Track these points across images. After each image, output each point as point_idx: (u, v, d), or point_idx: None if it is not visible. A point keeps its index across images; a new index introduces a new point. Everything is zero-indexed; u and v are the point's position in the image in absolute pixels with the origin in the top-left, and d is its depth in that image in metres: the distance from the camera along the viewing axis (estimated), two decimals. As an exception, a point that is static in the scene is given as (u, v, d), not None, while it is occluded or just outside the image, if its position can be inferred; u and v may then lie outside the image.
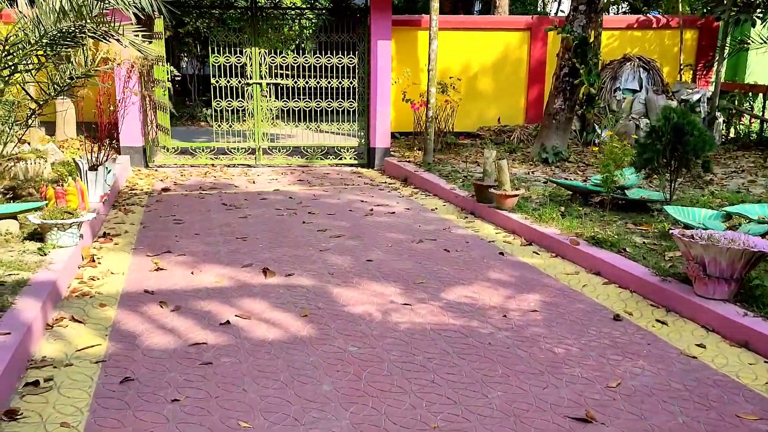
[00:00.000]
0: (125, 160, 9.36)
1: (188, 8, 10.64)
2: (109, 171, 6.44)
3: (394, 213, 6.96)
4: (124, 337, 3.64)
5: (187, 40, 17.69)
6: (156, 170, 9.69)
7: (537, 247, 5.65)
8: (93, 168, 6.32)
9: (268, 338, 3.68)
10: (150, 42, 9.67)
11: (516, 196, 6.46)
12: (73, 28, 4.56)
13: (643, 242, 5.27)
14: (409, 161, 9.69)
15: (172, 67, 12.45)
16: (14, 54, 4.74)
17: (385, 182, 9.00)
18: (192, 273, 4.79)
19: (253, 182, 8.86)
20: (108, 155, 6.50)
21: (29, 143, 9.67)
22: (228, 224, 6.36)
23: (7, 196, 5.71)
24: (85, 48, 5.26)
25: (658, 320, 4.03)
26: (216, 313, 4.02)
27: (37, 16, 4.55)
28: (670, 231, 5.41)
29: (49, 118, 10.25)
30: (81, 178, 6.31)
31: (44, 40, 4.69)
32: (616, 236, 5.36)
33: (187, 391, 3.07)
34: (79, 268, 4.84)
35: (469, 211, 7.04)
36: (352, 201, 7.59)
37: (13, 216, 5.16)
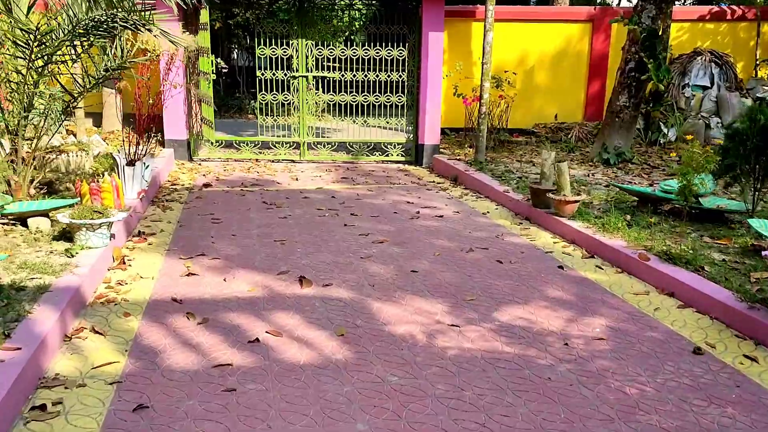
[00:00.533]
0: (169, 153, 9.19)
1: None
2: (147, 166, 6.21)
3: (442, 216, 6.52)
4: (145, 354, 3.34)
5: (237, 32, 17.59)
6: (200, 164, 9.50)
7: (600, 261, 5.12)
8: (131, 163, 6.09)
9: (300, 361, 3.31)
10: (195, 33, 9.49)
11: (577, 202, 5.93)
12: (105, 17, 4.29)
13: (723, 259, 4.69)
14: (459, 159, 9.21)
15: (219, 59, 12.29)
16: (47, 44, 4.51)
17: (433, 181, 8.56)
18: (224, 280, 4.48)
19: (296, 179, 8.55)
20: (147, 150, 6.28)
21: (75, 134, 9.63)
22: (267, 225, 6.04)
23: (43, 191, 5.51)
24: (122, 39, 5.01)
25: (746, 356, 3.49)
26: (245, 329, 3.68)
27: (69, 4, 4.30)
28: (754, 246, 4.81)
29: (96, 109, 10.19)
30: (118, 173, 6.10)
31: (78, 30, 4.43)
32: (691, 251, 4.79)
33: (205, 425, 2.72)
34: (108, 270, 4.58)
35: (523, 216, 6.54)
36: (398, 202, 7.18)
37: (44, 213, 4.95)
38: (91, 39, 4.59)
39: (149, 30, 4.45)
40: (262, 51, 9.55)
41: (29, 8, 4.59)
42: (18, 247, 4.47)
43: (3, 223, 4.82)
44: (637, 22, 8.62)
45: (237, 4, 15.70)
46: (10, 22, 4.30)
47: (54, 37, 4.43)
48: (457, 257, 5.15)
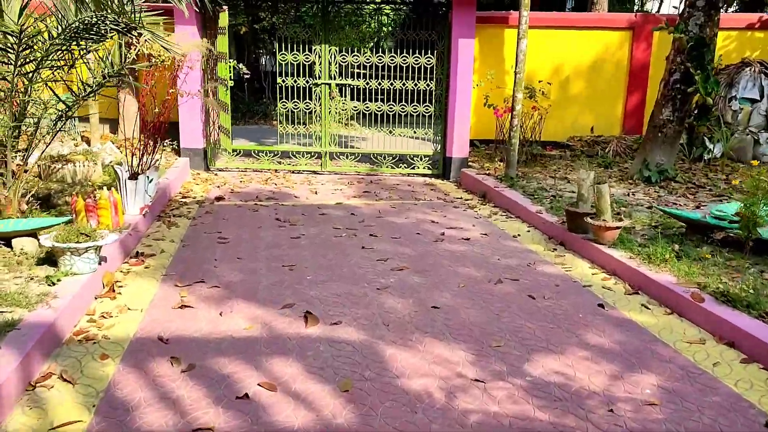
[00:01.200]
0: (183, 162, 8.81)
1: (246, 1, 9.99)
2: (151, 180, 5.79)
3: (468, 239, 5.97)
4: (114, 411, 2.86)
5: (263, 37, 17.28)
6: (216, 174, 9.10)
7: (646, 298, 4.52)
8: (133, 177, 5.68)
9: (293, 426, 2.80)
10: (214, 38, 9.11)
11: (618, 228, 5.33)
12: (95, 19, 3.87)
13: (793, 304, 4.06)
14: (488, 174, 8.65)
15: (241, 64, 11.91)
16: (35, 48, 4.11)
17: (461, 198, 8.01)
18: (221, 314, 4.00)
19: (315, 192, 8.08)
20: (152, 162, 5.86)
21: (88, 142, 9.31)
22: (277, 246, 5.57)
23: (32, 206, 5.11)
24: (121, 44, 4.59)
25: (833, 433, 2.88)
26: (235, 379, 3.19)
27: (57, 5, 3.88)
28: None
29: (113, 114, 9.88)
30: (119, 187, 5.69)
31: (68, 33, 4.01)
32: (752, 291, 4.17)
33: None
34: (95, 299, 4.15)
35: (558, 240, 5.96)
36: (422, 221, 6.65)
37: (32, 233, 4.54)
38: (84, 44, 4.18)
39: (140, 34, 4.01)
40: (283, 57, 9.13)
41: (22, 9, 4.19)
42: (-4, 271, 4.06)
43: (-16, 244, 4.42)
44: (684, 30, 7.97)
45: (262, 8, 15.41)
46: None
47: (42, 40, 4.04)
48: (483, 290, 4.60)
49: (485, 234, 6.20)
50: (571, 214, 5.75)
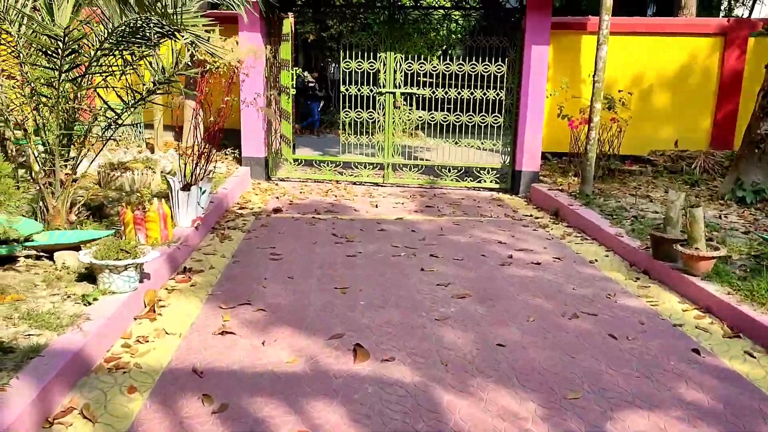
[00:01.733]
0: (244, 172, 8.64)
1: (303, 7, 9.75)
2: (204, 191, 5.56)
3: (539, 264, 5.43)
4: (133, 458, 2.54)
5: (331, 45, 17.14)
6: (276, 184, 8.88)
7: (750, 343, 3.88)
8: (186, 188, 5.46)
9: (331, 491, 2.40)
10: (278, 45, 8.91)
11: (714, 258, 4.69)
12: (140, 22, 3.62)
13: None
14: (561, 190, 8.05)
15: (306, 72, 11.75)
16: (81, 53, 3.91)
17: (531, 215, 7.45)
18: (263, 343, 3.65)
19: (376, 206, 7.71)
20: (204, 173, 5.63)
21: (152, 149, 9.29)
22: (332, 264, 5.21)
23: (82, 217, 4.94)
24: (174, 48, 4.35)
25: None
26: (269, 425, 2.82)
27: (102, 6, 3.66)
28: None
29: (180, 121, 9.85)
30: (171, 198, 5.48)
31: (115, 37, 3.79)
32: None
33: None
34: (135, 319, 3.89)
35: (641, 268, 5.34)
36: (487, 241, 6.16)
37: (76, 246, 4.35)
38: (132, 48, 3.97)
39: (186, 38, 3.74)
40: (347, 65, 8.83)
41: (74, 11, 4.00)
42: (34, 288, 3.86)
43: (28, 256, 4.25)
44: (789, 35, 7.16)
45: (330, 15, 15.23)
46: (35, 26, 3.74)
47: (89, 44, 3.84)
48: (556, 325, 4.08)
49: (558, 258, 5.64)
50: (658, 239, 5.13)
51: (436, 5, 9.98)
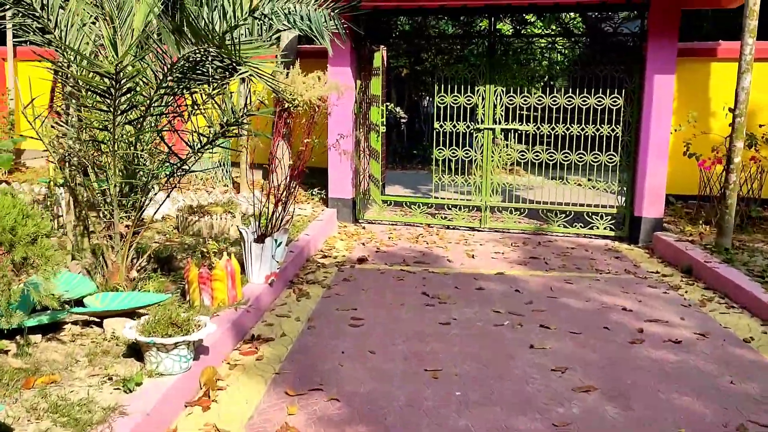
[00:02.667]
0: (329, 214, 8.04)
1: (397, 39, 9.14)
2: (280, 243, 4.93)
3: (679, 343, 4.38)
4: None
5: (426, 78, 16.58)
6: (363, 228, 8.22)
7: None
8: (260, 239, 4.86)
9: None
10: (368, 79, 8.35)
11: None
12: (200, 56, 3.05)
13: None
14: (692, 241, 6.86)
15: (398, 108, 11.17)
16: (138, 91, 3.40)
17: (657, 272, 6.32)
18: (332, 454, 2.89)
19: (472, 255, 6.85)
20: (282, 222, 5.02)
21: (239, 188, 8.94)
22: (420, 336, 4.41)
23: (142, 273, 4.42)
24: (246, 85, 3.78)
25: None
26: None
27: (159, 41, 3.13)
28: None
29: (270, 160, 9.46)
30: (244, 250, 4.90)
31: (174, 74, 3.25)
32: None
33: None
34: (185, 406, 3.25)
35: (817, 354, 4.17)
36: (608, 306, 5.15)
37: (131, 313, 3.80)
38: (195, 87, 3.43)
39: (252, 74, 3.12)
40: (442, 99, 8.11)
41: (133, 46, 3.51)
42: (74, 365, 3.31)
43: (76, 322, 3.74)
44: None
45: (425, 48, 14.71)
46: (84, 64, 3.27)
47: (144, 82, 3.34)
48: (719, 443, 3.06)
49: (702, 334, 4.55)
50: None
51: (541, 33, 9.11)
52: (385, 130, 8.58)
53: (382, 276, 5.96)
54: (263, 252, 4.85)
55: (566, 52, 13.49)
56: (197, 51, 3.09)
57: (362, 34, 8.10)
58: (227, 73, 3.31)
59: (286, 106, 4.62)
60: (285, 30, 3.84)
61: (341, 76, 7.99)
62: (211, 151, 4.26)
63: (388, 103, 9.00)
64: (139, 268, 4.41)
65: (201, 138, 3.87)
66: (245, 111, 3.69)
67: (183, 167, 4.01)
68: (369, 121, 8.42)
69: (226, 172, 9.62)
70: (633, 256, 7.03)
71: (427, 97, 20.49)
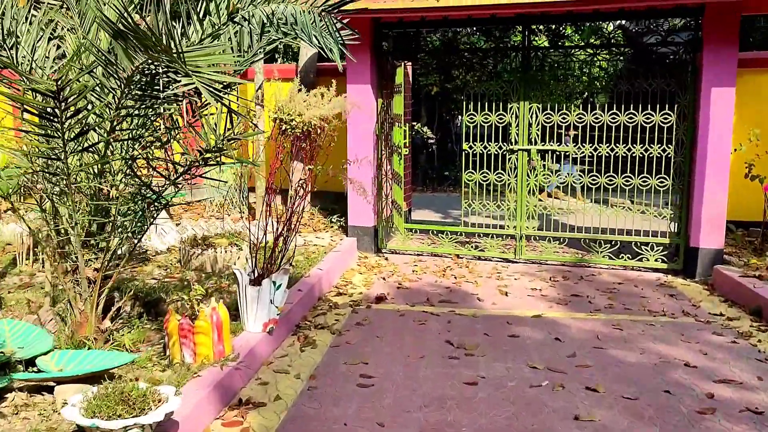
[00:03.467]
0: (348, 244, 7.38)
1: (427, 56, 8.50)
2: (279, 286, 4.27)
3: (761, 414, 3.55)
4: None
5: (457, 97, 15.92)
6: (386, 259, 7.53)
7: None
8: (256, 281, 4.21)
9: None
10: (390, 98, 7.72)
11: None
12: (157, 68, 2.44)
13: None
14: (759, 276, 5.97)
15: (426, 128, 10.55)
16: (88, 109, 2.81)
17: (720, 314, 5.46)
18: None
19: (506, 293, 6.09)
20: (281, 261, 4.36)
21: (255, 214, 8.37)
22: (441, 401, 3.68)
23: (116, 322, 3.80)
24: (221, 111, 3.16)
25: None
26: None
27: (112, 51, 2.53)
28: None
29: (285, 185, 8.88)
30: (239, 294, 4.26)
31: (134, 91, 2.64)
32: None
33: None
34: (139, 505, 2.58)
35: None
36: (668, 361, 4.33)
37: (83, 379, 3.17)
38: (157, 105, 2.83)
39: (190, 83, 2.49)
40: (471, 118, 7.41)
41: (78, 57, 2.91)
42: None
43: (21, 389, 3.13)
44: None
45: (455, 65, 14.05)
46: (21, 80, 2.69)
47: (99, 100, 2.74)
48: None
49: (788, 400, 3.71)
50: None
51: (582, 44, 8.37)
52: (408, 152, 7.91)
53: (402, 319, 5.25)
54: (260, 296, 4.19)
55: (605, 65, 12.69)
56: (150, 62, 2.50)
57: (384, 49, 7.49)
58: (169, 86, 2.69)
59: (283, 128, 4.00)
60: (281, 39, 3.22)
61: (361, 95, 7.39)
62: (207, 174, 3.65)
63: (414, 123, 8.35)
64: (114, 315, 3.81)
65: (176, 167, 3.26)
66: (225, 136, 3.07)
67: (157, 201, 3.40)
68: (392, 142, 7.77)
69: (243, 197, 9.07)
70: (690, 293, 6.17)
71: (459, 116, 19.81)
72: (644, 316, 5.41)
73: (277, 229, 4.34)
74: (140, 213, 3.42)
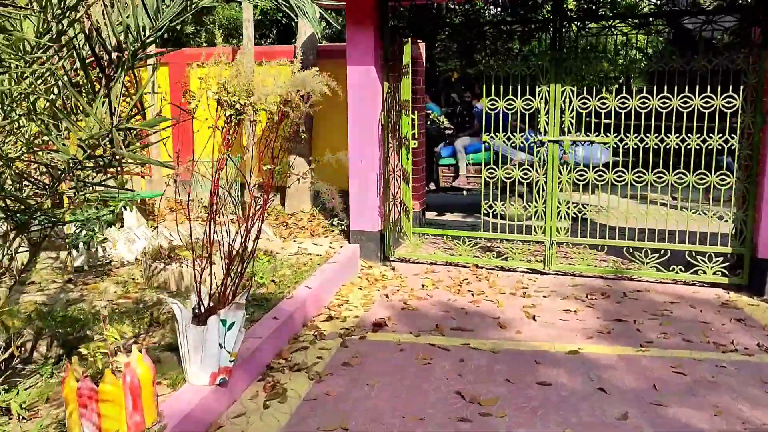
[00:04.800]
0: (349, 253, 6.34)
1: (447, 39, 7.37)
2: (231, 326, 3.23)
3: None
4: None
5: (479, 82, 14.73)
6: (393, 269, 6.46)
7: None
8: (201, 320, 3.18)
9: None
10: (398, 81, 6.62)
11: None
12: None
13: None
14: None
15: (443, 116, 9.41)
16: None
17: (808, 350, 4.30)
18: None
19: (533, 316, 4.98)
20: (234, 293, 3.32)
21: (238, 218, 7.31)
22: (442, 495, 2.62)
23: (45, 361, 2.81)
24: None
25: None
26: None
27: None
28: None
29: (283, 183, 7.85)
30: (179, 336, 3.23)
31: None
32: None
33: None
34: None
35: None
36: (753, 426, 3.20)
37: None
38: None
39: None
40: (492, 104, 6.28)
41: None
42: None
43: None
44: None
45: (477, 49, 12.88)
46: None
47: None
48: None
49: None
50: None
51: (624, 12, 7.15)
52: (417, 145, 6.79)
53: (402, 356, 4.18)
54: (205, 338, 3.16)
55: (644, 47, 11.41)
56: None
57: (393, 26, 6.39)
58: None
59: (229, 113, 2.96)
60: None
61: (364, 78, 6.32)
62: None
63: (428, 110, 7.24)
64: (3, 363, 2.81)
65: (51, 172, 2.23)
66: (113, 124, 2.03)
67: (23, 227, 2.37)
68: (400, 133, 6.68)
69: (239, 196, 8.06)
70: (761, 317, 4.99)
71: (476, 103, 18.57)
72: (710, 352, 4.27)
73: (230, 247, 3.30)
74: (15, 233, 2.40)
